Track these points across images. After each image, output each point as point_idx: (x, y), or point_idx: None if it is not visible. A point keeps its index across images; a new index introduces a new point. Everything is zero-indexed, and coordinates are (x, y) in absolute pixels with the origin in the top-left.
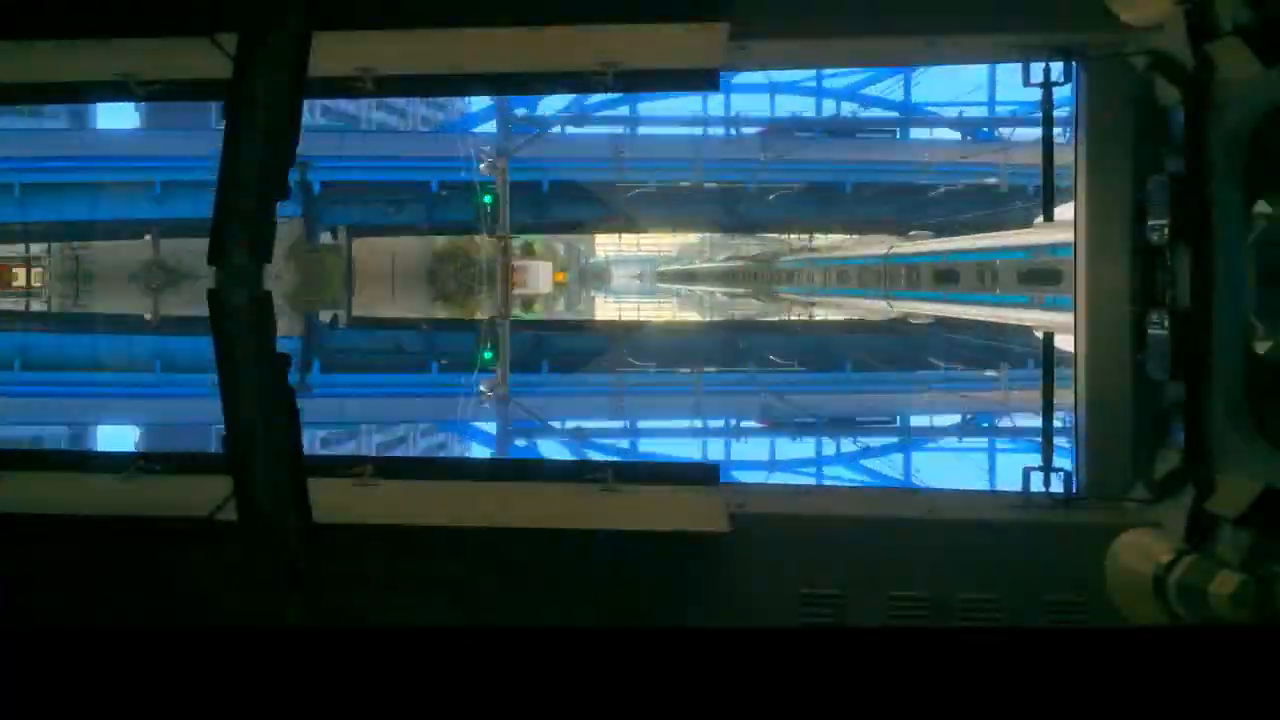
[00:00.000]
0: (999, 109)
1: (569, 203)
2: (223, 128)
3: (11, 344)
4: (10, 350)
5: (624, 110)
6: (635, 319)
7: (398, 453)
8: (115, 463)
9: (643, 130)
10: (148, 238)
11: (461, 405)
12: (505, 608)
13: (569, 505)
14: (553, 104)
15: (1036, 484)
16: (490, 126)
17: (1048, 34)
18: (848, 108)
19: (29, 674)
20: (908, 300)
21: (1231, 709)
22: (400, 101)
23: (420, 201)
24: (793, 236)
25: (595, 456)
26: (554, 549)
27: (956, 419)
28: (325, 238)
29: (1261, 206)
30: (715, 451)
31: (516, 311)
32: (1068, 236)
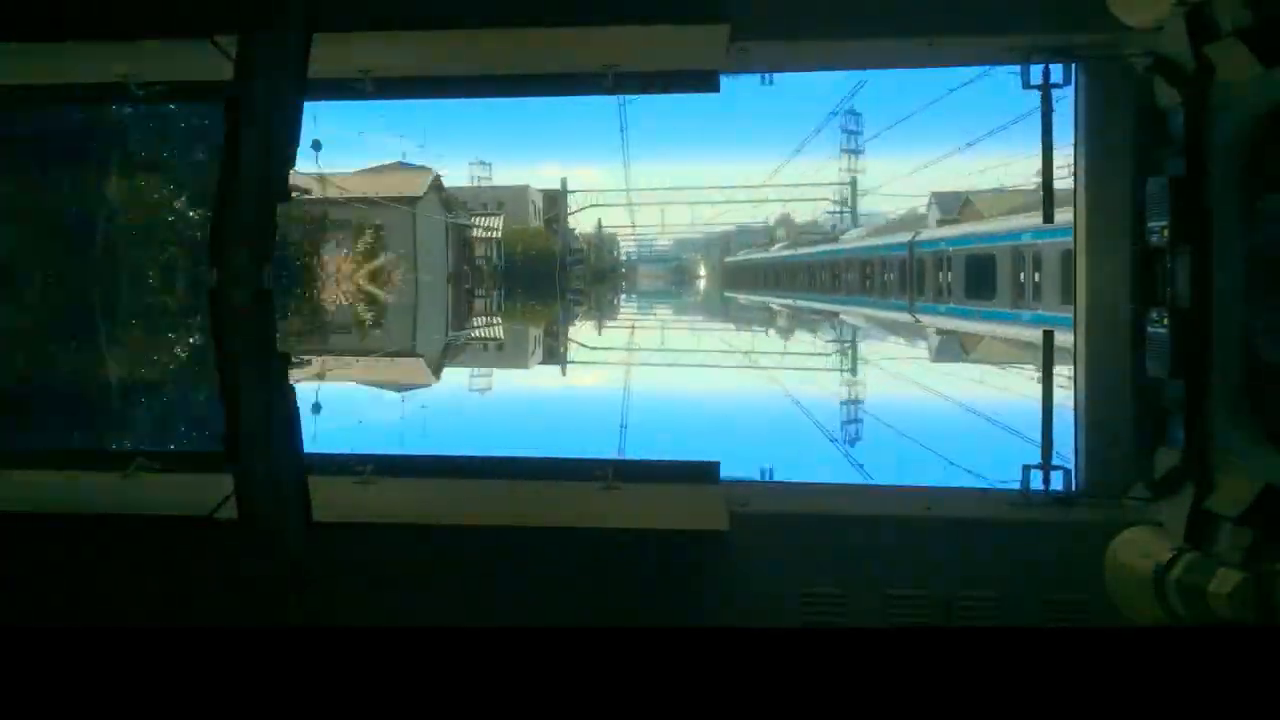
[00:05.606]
0: None
1: None
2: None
3: None
4: None
5: None
6: None
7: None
8: (115, 461)
9: None
10: None
11: None
12: (505, 607)
13: (569, 503)
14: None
15: (1036, 482)
16: None
17: (1048, 36)
18: None
19: (28, 674)
20: None
21: (1231, 709)
22: None
23: None
24: None
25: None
26: (554, 547)
27: None
28: None
29: (1261, 206)
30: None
31: None
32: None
